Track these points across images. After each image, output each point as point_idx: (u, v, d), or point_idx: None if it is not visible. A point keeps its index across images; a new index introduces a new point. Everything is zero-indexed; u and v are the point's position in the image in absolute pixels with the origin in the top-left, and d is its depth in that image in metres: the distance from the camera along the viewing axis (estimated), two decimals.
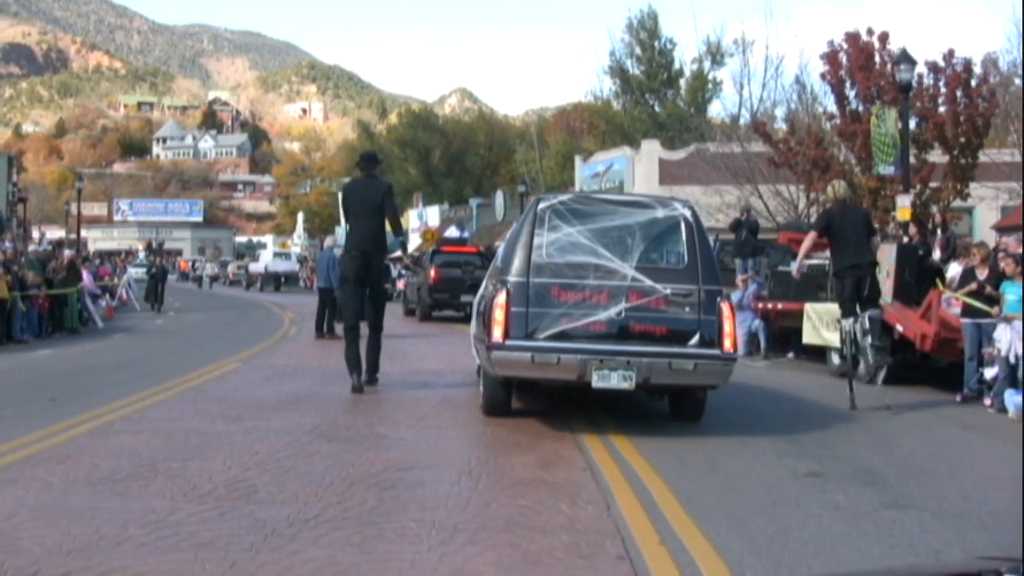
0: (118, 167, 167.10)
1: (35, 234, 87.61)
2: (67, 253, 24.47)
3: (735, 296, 18.35)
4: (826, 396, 11.69)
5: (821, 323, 15.11)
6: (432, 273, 24.34)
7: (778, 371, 15.13)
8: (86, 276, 25.43)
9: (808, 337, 15.64)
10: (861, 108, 25.95)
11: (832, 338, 14.55)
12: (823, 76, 26.82)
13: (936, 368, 14.53)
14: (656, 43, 59.52)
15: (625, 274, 8.31)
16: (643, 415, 9.54)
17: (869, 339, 10.78)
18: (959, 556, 5.05)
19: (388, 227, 11.06)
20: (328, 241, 21.54)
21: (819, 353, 15.76)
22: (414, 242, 51.68)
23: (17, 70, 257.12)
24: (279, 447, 7.37)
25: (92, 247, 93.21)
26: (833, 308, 14.68)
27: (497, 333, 8.19)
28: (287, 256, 58.52)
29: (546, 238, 8.52)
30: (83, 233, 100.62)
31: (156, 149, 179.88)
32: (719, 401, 10.61)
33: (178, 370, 12.90)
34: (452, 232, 33.08)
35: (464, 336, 12.81)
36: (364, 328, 10.78)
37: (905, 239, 16.65)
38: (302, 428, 8.20)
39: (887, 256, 14.00)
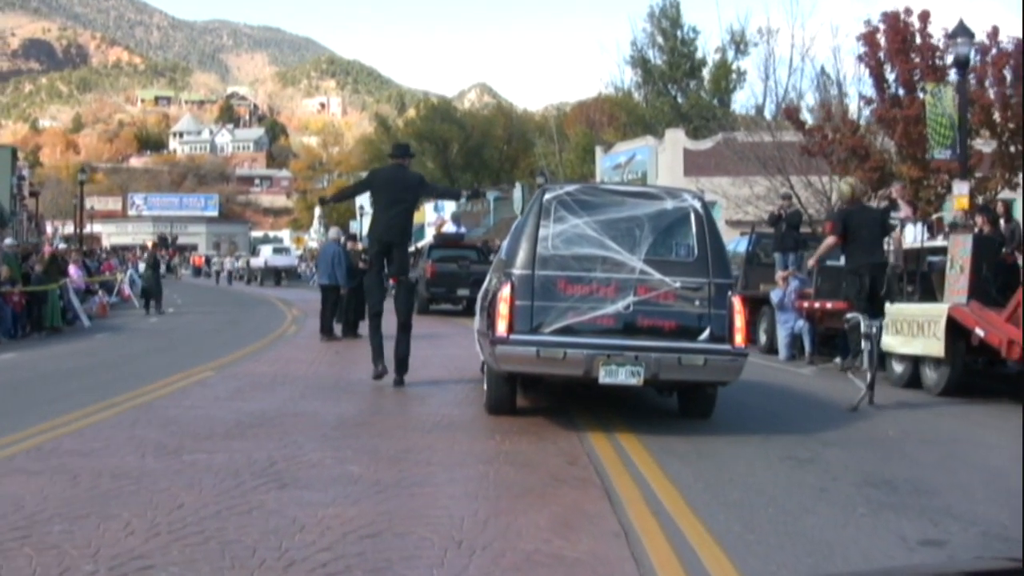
0: (134, 161, 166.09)
1: (49, 228, 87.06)
2: (47, 247, 22.77)
3: (775, 295, 16.54)
4: (901, 416, 9.81)
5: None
6: (429, 268, 24.86)
7: (829, 380, 13.18)
8: (73, 271, 23.79)
9: None
10: (902, 92, 24.33)
11: (895, 343, 12.69)
12: (860, 58, 25.12)
13: (1003, 375, 12.80)
14: (679, 32, 57.79)
15: (633, 267, 8.08)
16: (682, 437, 7.72)
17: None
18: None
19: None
20: (332, 233, 19.76)
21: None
22: (428, 236, 50.06)
23: (37, 66, 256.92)
24: (212, 497, 5.57)
25: (107, 242, 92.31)
26: (893, 308, 12.91)
27: (501, 327, 7.95)
28: (286, 251, 58.95)
29: (552, 230, 8.27)
30: (97, 228, 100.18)
31: (172, 143, 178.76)
32: (776, 423, 8.79)
33: (140, 380, 11.15)
34: (449, 228, 32.41)
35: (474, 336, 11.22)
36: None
37: (976, 229, 14.70)
38: (253, 466, 6.40)
39: (960, 248, 12.09)
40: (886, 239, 11.98)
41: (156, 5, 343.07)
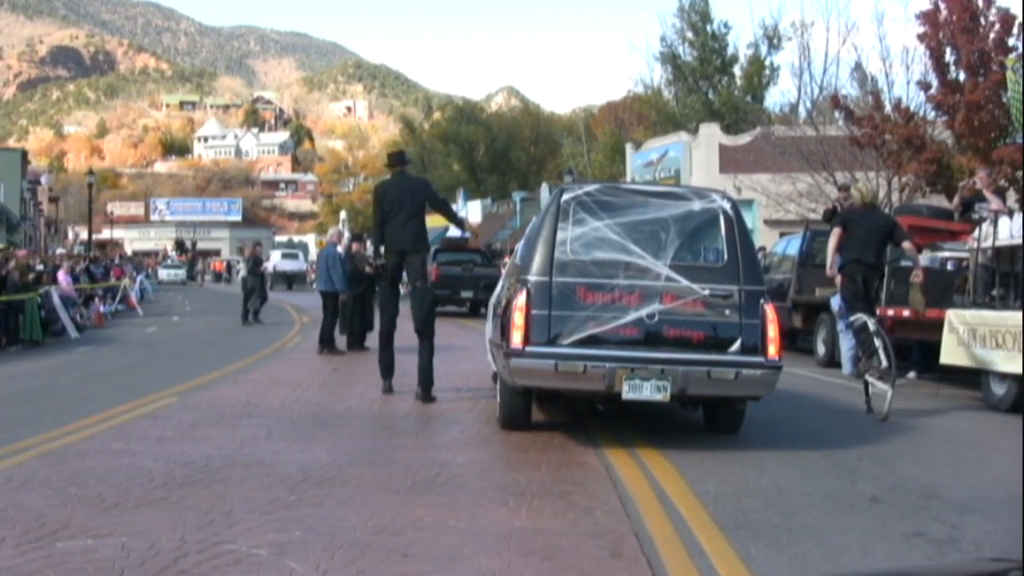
0: (159, 166, 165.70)
1: (70, 234, 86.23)
2: (20, 251, 20.95)
3: (835, 301, 14.43)
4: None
5: (973, 337, 11.08)
6: (434, 271, 24.81)
7: (908, 401, 11.01)
8: (62, 278, 22.00)
9: (950, 355, 11.58)
10: (962, 77, 22.42)
11: (992, 358, 10.61)
12: (920, 38, 23.22)
13: None
14: (709, 27, 55.58)
15: (658, 273, 7.60)
16: (759, 496, 5.67)
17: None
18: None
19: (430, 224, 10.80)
20: (330, 234, 17.86)
21: (946, 371, 12.05)
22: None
23: (65, 73, 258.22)
24: None
25: (129, 247, 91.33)
26: (994, 317, 10.82)
27: (516, 338, 7.42)
28: (295, 256, 57.41)
29: (570, 233, 7.74)
30: (119, 233, 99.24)
31: (197, 148, 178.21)
32: (874, 471, 6.70)
33: (82, 410, 9.19)
34: (453, 232, 31.26)
35: None
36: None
37: None
38: (148, 562, 4.36)
39: None
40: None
41: (184, 11, 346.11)
